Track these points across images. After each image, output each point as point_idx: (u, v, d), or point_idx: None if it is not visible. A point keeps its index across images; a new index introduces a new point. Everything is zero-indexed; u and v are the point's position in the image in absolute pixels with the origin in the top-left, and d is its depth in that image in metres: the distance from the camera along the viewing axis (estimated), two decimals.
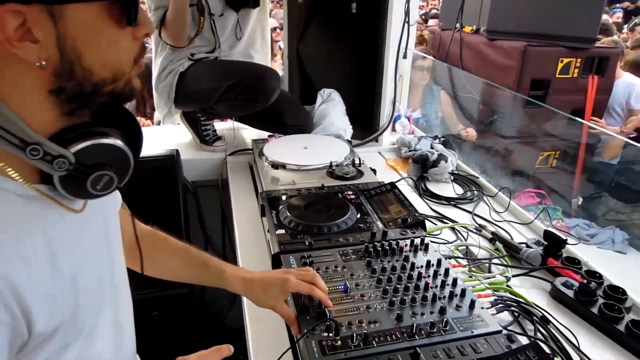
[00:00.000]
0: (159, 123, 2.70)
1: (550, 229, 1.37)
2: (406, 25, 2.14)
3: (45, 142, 0.58)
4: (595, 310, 1.07)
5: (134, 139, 0.69)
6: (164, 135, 2.20)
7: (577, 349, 0.98)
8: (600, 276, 1.19)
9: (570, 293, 1.12)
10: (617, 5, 7.04)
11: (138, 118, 2.26)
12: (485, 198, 1.68)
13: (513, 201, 1.64)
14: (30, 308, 0.56)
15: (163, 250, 1.10)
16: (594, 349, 1.00)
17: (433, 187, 1.75)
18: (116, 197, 0.91)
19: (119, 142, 0.65)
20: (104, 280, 0.75)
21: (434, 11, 6.31)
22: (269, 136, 1.90)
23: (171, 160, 1.79)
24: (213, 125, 2.08)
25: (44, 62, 0.56)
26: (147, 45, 2.42)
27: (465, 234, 1.43)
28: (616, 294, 1.12)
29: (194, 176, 2.03)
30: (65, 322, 0.62)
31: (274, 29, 4.77)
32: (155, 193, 1.78)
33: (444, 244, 1.35)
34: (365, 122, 2.24)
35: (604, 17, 4.62)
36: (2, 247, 0.55)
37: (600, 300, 1.09)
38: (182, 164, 1.89)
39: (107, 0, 0.57)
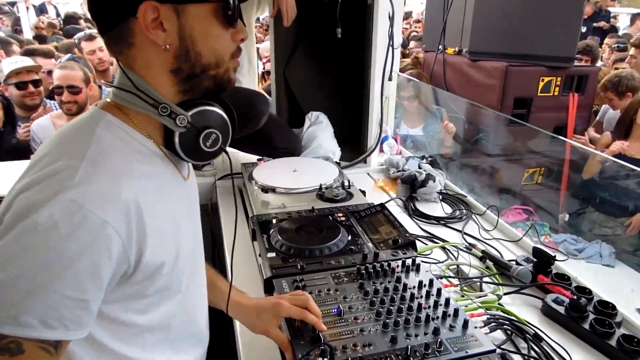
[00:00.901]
0: None
1: (538, 245, 1.39)
2: (390, 48, 2.19)
3: (171, 104, 0.78)
4: (586, 325, 1.09)
5: (231, 115, 0.87)
6: None
7: None
8: (590, 292, 1.20)
9: (561, 309, 1.13)
10: (594, 24, 7.25)
11: None
12: (474, 216, 1.70)
13: (501, 219, 1.66)
14: (145, 234, 0.72)
15: None
16: None
17: (422, 207, 1.77)
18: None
19: (221, 111, 0.84)
20: (195, 246, 0.93)
21: (413, 34, 6.43)
22: (258, 160, 1.91)
23: None
24: None
25: (168, 46, 0.75)
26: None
27: (455, 253, 1.44)
28: (606, 309, 1.13)
29: None
30: (168, 262, 0.78)
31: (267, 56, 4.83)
32: None
33: (435, 263, 1.36)
34: (353, 144, 2.26)
35: (590, 41, 4.74)
36: (138, 178, 0.74)
37: (591, 316, 1.11)
38: None
39: (216, 2, 0.76)
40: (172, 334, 0.87)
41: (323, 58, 2.26)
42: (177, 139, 0.80)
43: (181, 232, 0.83)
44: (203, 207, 2.00)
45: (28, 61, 3.01)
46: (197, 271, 0.97)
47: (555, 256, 1.29)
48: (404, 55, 4.47)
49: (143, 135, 0.79)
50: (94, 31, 4.32)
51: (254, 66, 2.13)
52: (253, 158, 1.99)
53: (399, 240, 1.30)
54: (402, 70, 4.16)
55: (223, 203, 1.84)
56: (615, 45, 5.39)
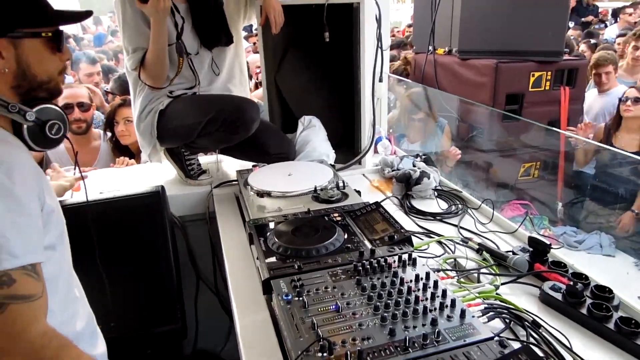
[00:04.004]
0: None
1: (534, 235, 1.40)
2: (379, 50, 2.22)
3: (18, 104, 1.01)
4: (584, 310, 1.09)
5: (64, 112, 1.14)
6: (148, 172, 2.21)
7: (569, 350, 1.00)
8: (586, 277, 1.21)
9: (558, 296, 1.14)
10: (582, 19, 7.31)
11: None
12: (469, 211, 1.71)
13: (499, 213, 1.67)
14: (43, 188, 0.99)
15: None
16: (585, 349, 1.02)
17: (418, 204, 1.78)
18: None
19: (58, 108, 1.10)
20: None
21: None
22: (253, 166, 1.92)
23: (156, 196, 1.79)
24: (197, 159, 2.10)
25: (7, 70, 1.00)
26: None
27: (452, 247, 1.45)
28: (603, 294, 1.14)
29: (181, 211, 2.03)
30: (55, 211, 1.03)
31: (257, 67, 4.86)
32: (142, 230, 1.78)
33: (432, 258, 1.37)
34: (347, 146, 2.28)
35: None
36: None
37: (588, 301, 1.11)
38: (168, 200, 1.90)
39: (45, 37, 1.02)
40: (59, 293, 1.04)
41: (313, 63, 2.28)
42: (26, 133, 1.03)
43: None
44: (201, 216, 2.03)
45: None
46: (67, 245, 1.13)
47: (551, 244, 1.30)
48: (392, 59, 4.50)
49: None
50: (93, 53, 4.35)
51: (245, 75, 2.15)
52: (248, 165, 2.01)
53: (395, 237, 1.31)
54: (393, 72, 4.19)
55: (220, 211, 1.85)
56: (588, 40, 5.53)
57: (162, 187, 1.85)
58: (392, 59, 4.53)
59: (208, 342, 2.19)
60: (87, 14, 1.14)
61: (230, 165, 2.24)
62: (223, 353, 2.16)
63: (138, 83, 1.89)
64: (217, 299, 2.10)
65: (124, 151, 2.58)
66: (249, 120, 1.78)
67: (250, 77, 3.65)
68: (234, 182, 1.99)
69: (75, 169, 1.72)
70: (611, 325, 1.04)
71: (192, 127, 1.81)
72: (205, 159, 2.29)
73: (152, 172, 2.19)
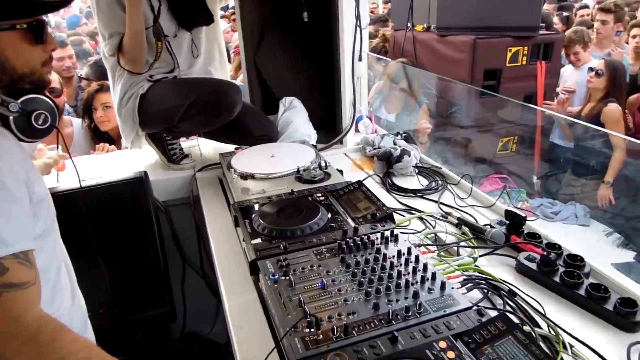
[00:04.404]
0: None
1: (511, 208, 1.45)
2: (358, 29, 2.21)
3: (1, 96, 0.99)
4: (557, 279, 1.15)
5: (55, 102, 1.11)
6: (130, 158, 2.20)
7: (543, 316, 1.05)
8: (559, 247, 1.27)
9: (533, 266, 1.20)
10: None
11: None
12: (449, 186, 1.75)
13: (477, 187, 1.72)
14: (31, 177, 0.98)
15: None
16: (558, 314, 1.08)
17: (399, 182, 1.81)
18: None
19: (46, 97, 1.07)
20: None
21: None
22: (236, 149, 1.93)
23: (139, 182, 1.79)
24: (179, 144, 2.09)
25: None
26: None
27: (433, 223, 1.49)
28: (575, 262, 1.20)
29: (165, 196, 2.04)
30: (45, 200, 1.03)
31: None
32: (127, 216, 1.78)
33: (413, 233, 1.41)
34: (329, 126, 2.30)
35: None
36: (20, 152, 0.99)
37: (561, 269, 1.17)
38: (151, 185, 1.90)
39: (20, 30, 0.98)
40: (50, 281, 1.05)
41: (292, 43, 2.28)
42: (12, 124, 1.01)
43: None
44: (185, 200, 2.04)
45: None
46: (58, 234, 1.13)
47: (526, 217, 1.35)
48: (371, 36, 4.48)
49: None
50: (64, 36, 4.21)
51: (224, 57, 2.14)
52: (230, 148, 2.01)
53: (377, 214, 1.34)
54: (372, 50, 4.18)
55: (204, 193, 1.86)
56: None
57: (145, 172, 1.85)
58: (371, 37, 4.52)
59: (196, 325, 2.22)
60: (68, 1, 1.09)
61: (213, 149, 2.25)
62: (211, 334, 2.20)
63: (117, 68, 1.87)
64: (204, 281, 2.12)
65: (102, 138, 2.54)
66: (232, 104, 1.78)
67: (229, 58, 3.61)
68: (217, 166, 2.00)
69: (58, 147, 1.67)
70: (582, 292, 1.10)
71: (173, 111, 1.80)
72: (187, 143, 2.29)
73: (134, 158, 2.18)
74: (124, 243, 1.77)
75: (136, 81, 1.88)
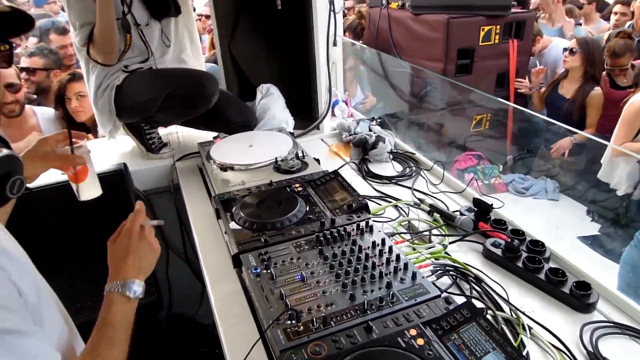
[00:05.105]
0: None
1: (477, 196, 1.53)
2: (332, 13, 2.23)
3: None
4: (520, 264, 1.24)
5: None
6: (108, 148, 2.20)
7: (506, 300, 1.14)
8: (523, 233, 1.35)
9: (498, 252, 1.28)
10: None
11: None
12: (422, 172, 1.82)
13: (453, 165, 1.79)
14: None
15: None
16: (521, 297, 1.17)
17: (374, 168, 1.87)
18: None
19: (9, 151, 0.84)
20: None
21: None
22: (214, 138, 1.96)
23: (120, 174, 1.81)
24: (157, 133, 2.10)
25: None
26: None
27: (406, 210, 1.56)
28: (537, 247, 1.29)
29: (145, 185, 2.06)
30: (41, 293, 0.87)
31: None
32: (108, 209, 1.80)
33: (388, 222, 1.48)
34: (306, 112, 2.33)
35: None
36: None
37: (524, 255, 1.25)
38: (131, 176, 1.92)
39: None
40: None
41: (266, 30, 2.28)
42: None
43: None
44: (165, 189, 2.07)
45: None
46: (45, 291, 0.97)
47: (492, 205, 1.43)
48: (345, 15, 4.47)
49: None
50: (62, 21, 4.02)
51: (197, 45, 2.14)
52: (209, 136, 2.04)
53: (353, 205, 1.41)
54: (349, 27, 4.17)
55: (184, 183, 1.89)
56: None
57: (125, 164, 1.86)
58: (348, 14, 4.50)
59: (182, 307, 2.29)
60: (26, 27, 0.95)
61: (192, 137, 2.26)
62: (198, 316, 2.27)
63: (90, 60, 1.85)
64: (188, 266, 2.18)
65: (77, 127, 2.52)
66: (208, 95, 1.79)
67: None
68: (196, 154, 2.03)
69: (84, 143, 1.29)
70: (542, 276, 1.19)
71: (150, 103, 1.81)
72: (165, 131, 2.29)
73: (112, 147, 2.18)
74: (106, 236, 1.79)
75: (111, 72, 1.88)
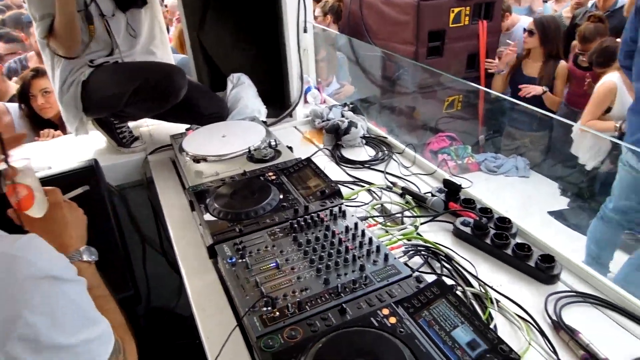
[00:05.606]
0: None
1: (448, 177, 1.57)
2: (302, 0, 2.22)
3: None
4: (488, 241, 1.28)
5: None
6: (78, 143, 2.16)
7: (475, 277, 1.18)
8: (490, 211, 1.40)
9: (468, 230, 1.32)
10: None
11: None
12: (394, 156, 1.85)
13: (426, 147, 1.82)
14: None
15: None
16: (489, 273, 1.21)
17: (348, 153, 1.90)
18: None
19: None
20: None
21: None
22: (187, 129, 1.95)
23: (91, 171, 1.79)
24: (128, 127, 2.08)
25: None
26: None
27: (379, 193, 1.59)
28: (504, 224, 1.33)
29: (118, 180, 2.04)
30: None
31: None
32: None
33: (361, 206, 1.51)
34: (278, 100, 2.33)
35: None
36: None
37: (492, 232, 1.30)
38: (102, 171, 1.90)
39: None
40: None
41: (236, 18, 2.26)
42: None
43: None
44: (139, 182, 2.06)
45: None
46: None
47: (461, 185, 1.47)
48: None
49: None
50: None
51: (165, 35, 2.11)
52: (181, 128, 2.02)
53: (326, 191, 1.42)
54: (330, 9, 4.15)
55: (158, 176, 1.88)
56: None
57: (96, 160, 1.84)
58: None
59: (161, 300, 2.29)
60: None
61: (164, 130, 2.24)
62: (177, 308, 2.28)
63: (54, 54, 1.82)
64: (165, 259, 2.17)
65: (43, 124, 2.46)
66: (178, 87, 1.78)
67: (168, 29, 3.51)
68: (168, 147, 2.01)
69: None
70: (509, 251, 1.23)
71: (118, 97, 1.78)
72: (136, 124, 2.27)
73: (82, 143, 2.15)
74: None
75: (76, 66, 1.84)
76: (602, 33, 3.52)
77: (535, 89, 3.50)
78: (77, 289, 0.80)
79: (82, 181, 1.77)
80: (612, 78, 2.90)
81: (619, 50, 2.48)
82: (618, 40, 2.81)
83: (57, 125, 2.47)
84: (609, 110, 2.97)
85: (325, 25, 4.03)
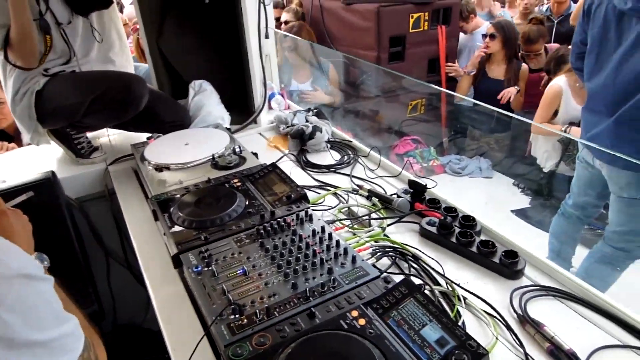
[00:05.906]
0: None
1: (413, 178, 1.58)
2: (262, 5, 2.21)
3: None
4: (453, 239, 1.30)
5: None
6: (34, 155, 2.08)
7: (442, 275, 1.19)
8: (455, 210, 1.42)
9: (433, 229, 1.34)
10: None
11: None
12: (360, 159, 1.86)
13: (391, 151, 1.84)
14: None
15: None
16: (456, 271, 1.23)
17: (313, 158, 1.89)
18: None
19: None
20: None
21: None
22: (148, 138, 1.90)
23: (48, 183, 1.72)
24: (86, 137, 2.02)
25: None
26: None
27: (346, 197, 1.59)
28: (468, 222, 1.35)
29: (78, 192, 1.97)
30: None
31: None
32: (38, 221, 1.71)
33: (328, 209, 1.50)
34: (241, 106, 2.31)
35: None
36: None
37: (457, 230, 1.32)
38: (61, 184, 1.83)
39: None
40: None
41: (195, 24, 2.23)
42: None
43: None
44: (100, 194, 1.99)
45: None
46: None
47: (426, 185, 1.49)
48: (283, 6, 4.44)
49: None
50: None
51: (124, 41, 2.06)
52: (143, 137, 1.98)
53: (292, 196, 1.42)
54: (294, 14, 4.14)
55: (119, 187, 1.83)
56: None
57: (53, 172, 1.77)
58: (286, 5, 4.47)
59: (128, 316, 2.22)
60: None
61: (124, 139, 2.19)
62: (145, 323, 2.21)
63: (6, 63, 1.74)
64: (130, 272, 2.11)
65: None
66: (138, 97, 1.74)
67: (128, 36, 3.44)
68: (130, 157, 1.96)
69: None
70: (474, 249, 1.25)
71: (75, 107, 1.73)
72: (95, 134, 2.20)
73: (39, 155, 2.07)
74: (39, 249, 1.71)
75: (30, 76, 1.78)
76: (544, 34, 3.78)
77: (509, 92, 3.62)
78: (48, 287, 0.82)
79: (38, 193, 1.72)
80: (559, 82, 3.02)
81: (570, 53, 2.58)
82: (569, 47, 2.93)
83: (12, 136, 2.38)
84: (556, 114, 3.08)
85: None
